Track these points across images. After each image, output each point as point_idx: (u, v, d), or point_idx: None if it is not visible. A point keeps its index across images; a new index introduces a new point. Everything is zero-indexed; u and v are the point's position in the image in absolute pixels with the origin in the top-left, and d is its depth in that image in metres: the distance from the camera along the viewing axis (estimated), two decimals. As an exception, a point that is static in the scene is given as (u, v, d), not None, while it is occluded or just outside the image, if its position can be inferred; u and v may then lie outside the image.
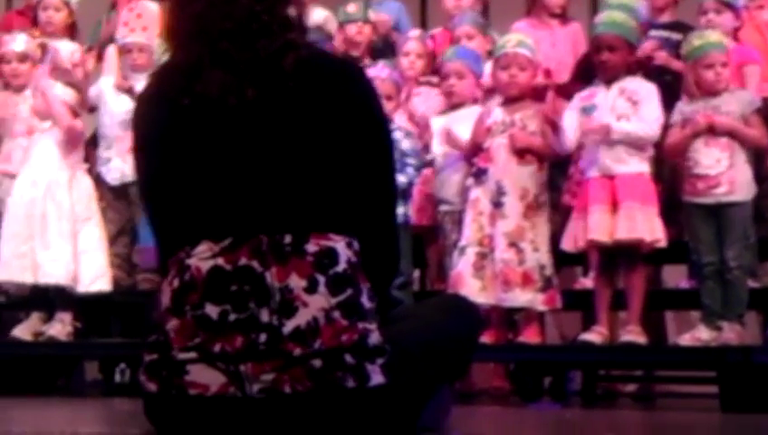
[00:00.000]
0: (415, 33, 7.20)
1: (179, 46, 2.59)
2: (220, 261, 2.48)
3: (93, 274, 6.63)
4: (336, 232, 2.51)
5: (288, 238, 2.48)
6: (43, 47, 7.09)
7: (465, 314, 2.89)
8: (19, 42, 6.92)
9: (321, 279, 2.47)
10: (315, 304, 2.46)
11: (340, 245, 2.50)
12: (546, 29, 6.78)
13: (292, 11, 2.61)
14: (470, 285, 5.79)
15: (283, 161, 2.50)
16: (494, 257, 5.78)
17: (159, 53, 6.56)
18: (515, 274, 5.75)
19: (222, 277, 2.47)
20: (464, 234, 5.92)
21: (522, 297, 5.76)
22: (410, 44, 6.93)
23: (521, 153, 5.85)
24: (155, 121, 2.60)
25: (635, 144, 5.67)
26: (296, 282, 2.46)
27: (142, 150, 2.64)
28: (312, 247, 2.48)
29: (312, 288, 2.46)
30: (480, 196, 5.89)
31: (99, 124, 7.04)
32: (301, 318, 2.45)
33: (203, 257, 2.49)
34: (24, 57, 6.88)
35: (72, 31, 7.40)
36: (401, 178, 5.86)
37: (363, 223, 2.56)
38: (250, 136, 2.51)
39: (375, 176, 2.59)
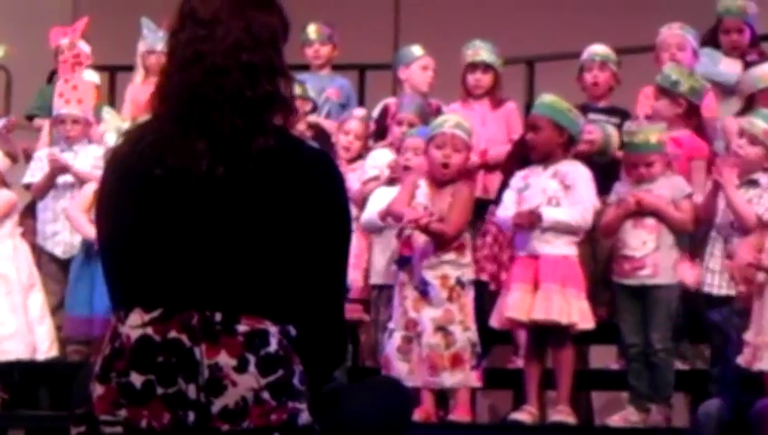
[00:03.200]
0: (359, 112, 6.98)
1: (168, 111, 2.58)
2: (149, 331, 2.49)
3: (48, 339, 6.51)
4: (271, 319, 2.51)
5: (218, 316, 2.49)
6: None
7: (396, 395, 2.91)
8: None
9: (252, 359, 2.48)
10: (244, 384, 2.47)
11: (272, 329, 2.51)
12: (474, 110, 6.79)
13: (274, 87, 2.58)
14: (398, 367, 5.79)
15: (230, 242, 2.51)
16: (422, 342, 5.79)
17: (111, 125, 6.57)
18: (442, 359, 5.75)
19: (150, 347, 2.48)
20: (393, 316, 5.93)
21: (450, 380, 5.76)
22: (352, 123, 6.70)
23: (439, 243, 5.84)
24: (120, 184, 2.61)
25: (564, 231, 5.72)
26: (226, 360, 2.47)
27: (103, 207, 2.65)
28: (242, 328, 2.49)
29: (241, 368, 2.47)
30: (406, 281, 5.90)
31: (42, 197, 6.97)
32: (229, 397, 2.46)
33: (133, 326, 2.50)
34: None
35: None
36: None
37: (309, 314, 2.56)
38: (204, 212, 2.52)
39: (327, 270, 2.60)
